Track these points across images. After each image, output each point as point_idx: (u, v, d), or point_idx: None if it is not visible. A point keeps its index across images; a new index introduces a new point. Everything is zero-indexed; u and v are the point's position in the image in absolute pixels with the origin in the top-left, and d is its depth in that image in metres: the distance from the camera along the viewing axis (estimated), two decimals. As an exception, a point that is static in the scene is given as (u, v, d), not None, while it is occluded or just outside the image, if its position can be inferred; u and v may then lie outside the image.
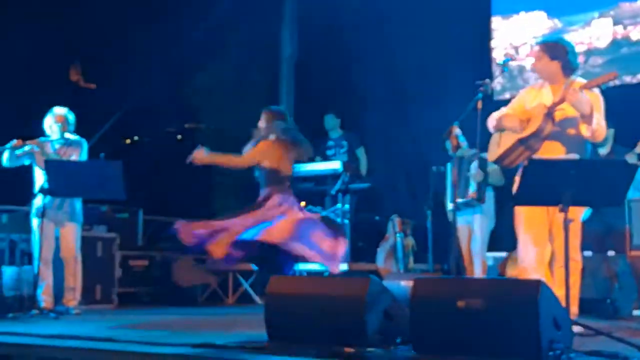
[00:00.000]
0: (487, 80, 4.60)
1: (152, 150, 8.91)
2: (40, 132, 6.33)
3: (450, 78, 7.78)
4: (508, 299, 3.21)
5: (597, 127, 4.29)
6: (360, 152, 8.42)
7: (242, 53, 9.57)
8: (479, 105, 4.52)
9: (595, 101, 4.34)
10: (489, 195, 6.89)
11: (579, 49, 7.10)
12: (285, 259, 5.29)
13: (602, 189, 3.89)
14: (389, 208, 8.37)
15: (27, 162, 6.23)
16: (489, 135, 4.68)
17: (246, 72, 9.68)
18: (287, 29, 9.98)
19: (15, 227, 7.01)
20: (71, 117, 6.37)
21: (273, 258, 5.27)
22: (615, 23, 8.35)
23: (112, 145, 7.93)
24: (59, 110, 6.32)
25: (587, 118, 4.28)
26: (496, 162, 4.68)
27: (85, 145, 6.36)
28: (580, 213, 4.43)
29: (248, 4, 9.13)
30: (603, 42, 8.40)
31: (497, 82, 8.70)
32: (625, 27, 8.29)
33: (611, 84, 4.47)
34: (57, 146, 6.27)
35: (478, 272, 6.73)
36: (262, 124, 5.63)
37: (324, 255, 5.24)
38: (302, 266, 7.11)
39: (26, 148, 6.17)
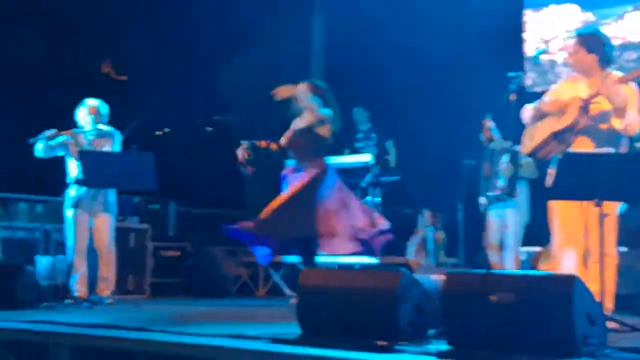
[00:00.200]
0: (520, 73, 4.57)
1: (183, 142, 8.96)
2: (73, 124, 6.37)
3: (482, 71, 7.72)
4: (541, 293, 3.18)
5: (631, 120, 4.25)
6: (389, 145, 8.38)
7: (272, 45, 9.57)
8: (513, 97, 4.49)
9: (631, 95, 4.30)
10: (523, 189, 6.78)
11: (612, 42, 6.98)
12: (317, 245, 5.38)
13: (638, 184, 3.83)
14: (419, 201, 8.33)
15: (60, 153, 6.27)
16: (522, 127, 4.64)
17: (276, 65, 9.68)
18: (317, 20, 9.96)
19: (49, 218, 7.11)
20: (104, 108, 6.40)
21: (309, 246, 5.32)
22: (650, 17, 8.23)
23: (144, 137, 7.99)
24: (92, 102, 6.35)
25: (621, 111, 4.24)
26: (530, 155, 4.64)
27: (118, 136, 6.38)
28: (615, 208, 4.36)
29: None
30: (637, 37, 8.26)
31: (528, 77, 8.60)
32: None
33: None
34: (90, 137, 6.31)
35: (511, 267, 6.67)
36: (302, 95, 5.69)
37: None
38: (332, 259, 7.11)
39: (60, 139, 6.23)
